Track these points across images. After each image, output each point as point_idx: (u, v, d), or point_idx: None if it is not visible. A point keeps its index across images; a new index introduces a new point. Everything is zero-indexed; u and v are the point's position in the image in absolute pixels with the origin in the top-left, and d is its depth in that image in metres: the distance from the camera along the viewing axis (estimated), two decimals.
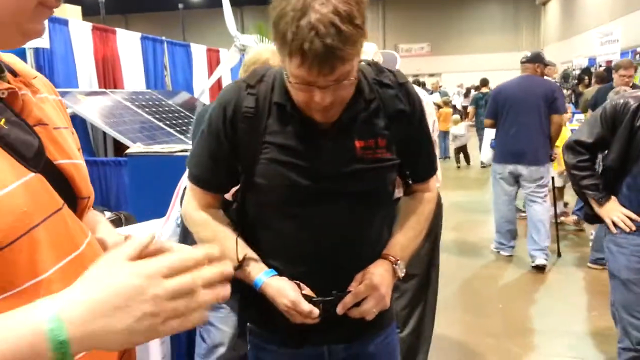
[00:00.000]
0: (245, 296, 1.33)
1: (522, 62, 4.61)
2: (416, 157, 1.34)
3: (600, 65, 9.67)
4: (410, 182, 1.39)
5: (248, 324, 1.40)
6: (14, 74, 0.76)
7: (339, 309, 1.22)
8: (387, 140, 1.24)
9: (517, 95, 4.45)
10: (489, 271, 4.53)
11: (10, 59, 0.80)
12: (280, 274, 1.25)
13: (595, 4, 12.82)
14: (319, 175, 1.21)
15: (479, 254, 4.99)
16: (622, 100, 2.17)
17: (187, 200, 1.32)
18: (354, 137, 1.21)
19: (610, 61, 9.60)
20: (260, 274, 1.23)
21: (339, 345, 1.33)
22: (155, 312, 0.59)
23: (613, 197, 2.23)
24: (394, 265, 1.28)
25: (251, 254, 1.25)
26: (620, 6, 10.90)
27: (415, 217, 1.36)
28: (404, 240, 1.33)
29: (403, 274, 1.29)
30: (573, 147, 2.31)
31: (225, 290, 0.65)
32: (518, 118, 4.41)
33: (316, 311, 1.19)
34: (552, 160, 4.54)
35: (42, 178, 0.70)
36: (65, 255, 0.71)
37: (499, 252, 4.90)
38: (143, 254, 0.66)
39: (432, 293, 2.58)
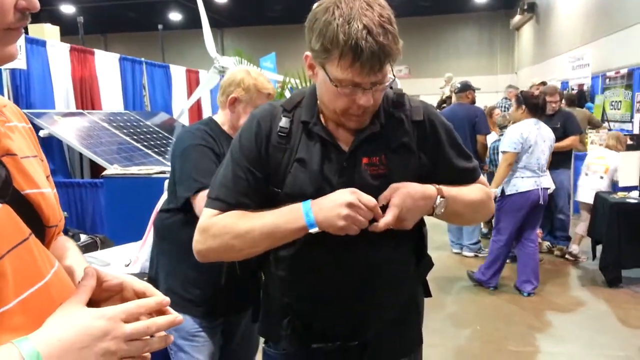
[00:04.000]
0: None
1: (455, 93, 5.70)
2: (444, 176, 1.30)
3: (572, 89, 9.93)
4: None
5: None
6: None
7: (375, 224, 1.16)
8: (390, 160, 1.25)
9: (449, 119, 5.33)
10: (467, 293, 4.56)
11: None
12: (295, 305, 1.28)
13: (567, 30, 13.20)
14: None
15: (455, 275, 5.03)
16: None
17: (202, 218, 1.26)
18: (361, 155, 1.24)
19: (582, 84, 9.87)
20: (301, 204, 1.16)
21: None
22: (113, 351, 0.70)
23: None
24: (437, 194, 1.22)
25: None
26: (590, 32, 11.25)
27: (467, 188, 1.32)
28: (455, 189, 1.28)
29: (441, 212, 1.23)
30: None
31: (170, 338, 0.79)
32: None
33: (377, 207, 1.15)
34: (484, 170, 5.43)
35: (8, 209, 0.70)
36: (30, 286, 0.71)
37: (452, 250, 5.64)
38: (104, 288, 0.81)
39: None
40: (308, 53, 1.20)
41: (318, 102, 1.27)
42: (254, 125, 1.27)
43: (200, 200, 1.64)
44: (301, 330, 1.28)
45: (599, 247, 4.73)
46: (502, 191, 4.28)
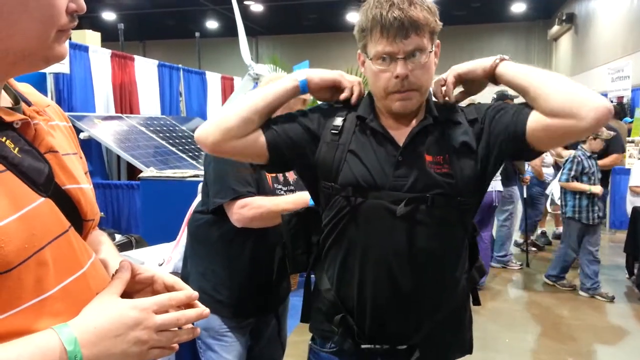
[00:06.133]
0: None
1: (493, 100, 5.59)
2: (510, 131, 1.26)
3: (611, 101, 9.68)
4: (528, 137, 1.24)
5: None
6: (28, 103, 0.81)
7: None
8: (453, 160, 1.27)
9: None
10: (494, 304, 4.50)
11: (25, 88, 0.84)
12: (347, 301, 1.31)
13: (606, 41, 12.89)
14: (389, 186, 1.24)
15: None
16: None
17: None
18: (424, 152, 1.27)
19: (622, 97, 9.61)
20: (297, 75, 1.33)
21: None
22: (144, 340, 0.74)
23: None
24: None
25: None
26: (631, 43, 10.96)
27: None
28: None
29: (507, 57, 1.28)
30: None
31: (197, 330, 0.83)
32: None
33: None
34: (523, 182, 5.46)
35: (51, 202, 0.74)
36: (70, 274, 0.75)
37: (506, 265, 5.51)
38: (136, 281, 0.86)
39: None
40: (359, 51, 1.30)
41: (375, 102, 1.32)
42: (314, 112, 1.36)
43: (237, 209, 1.69)
44: (352, 330, 1.30)
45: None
46: None
